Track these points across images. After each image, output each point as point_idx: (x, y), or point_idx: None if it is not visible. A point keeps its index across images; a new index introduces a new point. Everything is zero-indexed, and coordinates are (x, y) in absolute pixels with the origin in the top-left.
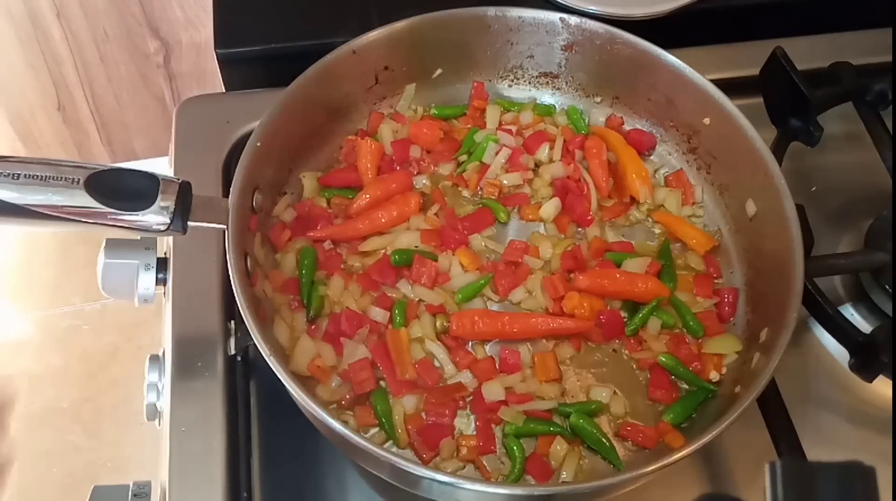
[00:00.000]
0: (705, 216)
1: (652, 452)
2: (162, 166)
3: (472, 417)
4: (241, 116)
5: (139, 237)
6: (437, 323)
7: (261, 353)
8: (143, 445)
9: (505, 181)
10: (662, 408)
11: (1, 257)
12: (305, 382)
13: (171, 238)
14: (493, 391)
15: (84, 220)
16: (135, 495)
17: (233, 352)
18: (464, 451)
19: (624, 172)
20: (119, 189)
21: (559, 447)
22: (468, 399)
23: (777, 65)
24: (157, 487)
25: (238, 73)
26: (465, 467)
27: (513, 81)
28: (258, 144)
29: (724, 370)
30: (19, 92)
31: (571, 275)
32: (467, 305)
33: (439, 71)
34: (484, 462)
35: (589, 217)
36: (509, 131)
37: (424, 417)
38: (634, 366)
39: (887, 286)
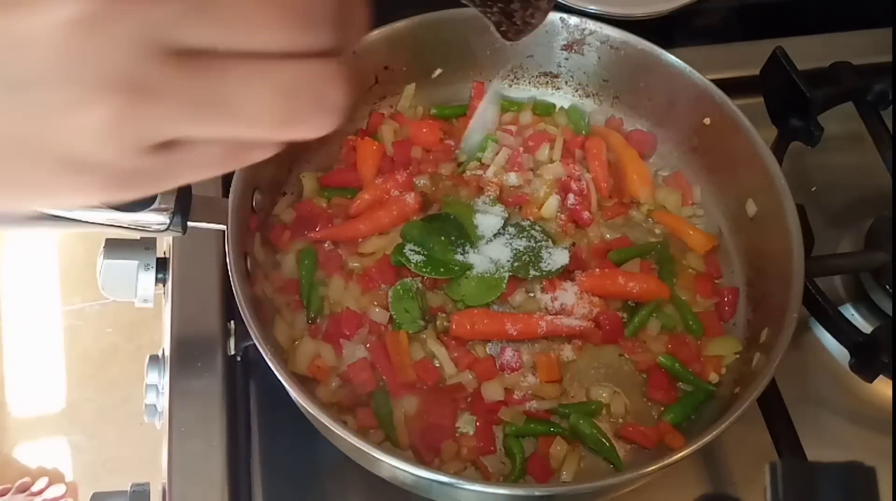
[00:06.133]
0: (705, 216)
1: (652, 452)
2: None
3: (472, 417)
4: None
5: (139, 237)
6: (438, 323)
7: (261, 353)
8: (143, 445)
9: (505, 181)
10: (662, 409)
11: (0, 257)
12: (305, 382)
13: (170, 238)
14: (493, 390)
15: (83, 220)
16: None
17: (232, 352)
18: (464, 451)
19: (624, 172)
20: None
21: (559, 447)
22: (468, 400)
23: (777, 65)
24: (157, 487)
25: None
26: (465, 467)
27: (513, 80)
28: None
29: (723, 371)
30: None
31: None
32: None
33: (439, 71)
34: (485, 463)
35: (589, 218)
36: (509, 131)
37: (425, 418)
38: (634, 368)
39: (887, 286)
